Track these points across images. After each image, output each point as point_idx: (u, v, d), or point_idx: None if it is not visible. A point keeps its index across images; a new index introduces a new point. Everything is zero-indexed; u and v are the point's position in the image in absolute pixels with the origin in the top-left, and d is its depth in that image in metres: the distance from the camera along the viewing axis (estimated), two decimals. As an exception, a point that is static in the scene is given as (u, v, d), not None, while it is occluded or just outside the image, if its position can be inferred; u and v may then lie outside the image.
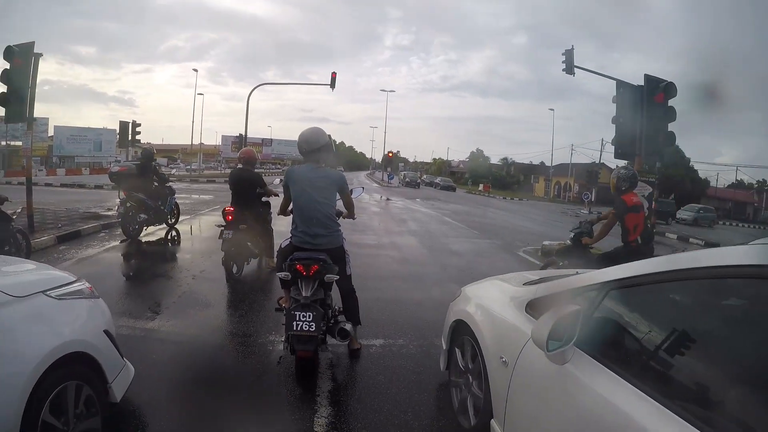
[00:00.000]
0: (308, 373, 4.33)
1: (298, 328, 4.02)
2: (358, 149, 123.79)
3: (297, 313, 4.07)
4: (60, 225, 11.39)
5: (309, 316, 4.05)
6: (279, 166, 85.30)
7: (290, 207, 4.81)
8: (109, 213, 14.19)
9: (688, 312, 2.19)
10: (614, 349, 2.33)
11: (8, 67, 10.28)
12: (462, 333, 3.69)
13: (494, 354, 3.01)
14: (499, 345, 3.02)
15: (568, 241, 7.45)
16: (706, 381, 1.90)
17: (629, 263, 2.42)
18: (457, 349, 3.79)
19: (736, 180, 70.90)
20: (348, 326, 4.57)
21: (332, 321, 4.59)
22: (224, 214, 7.64)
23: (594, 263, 6.25)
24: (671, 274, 2.10)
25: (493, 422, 2.97)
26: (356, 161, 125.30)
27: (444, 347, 4.09)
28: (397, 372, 4.53)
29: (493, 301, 3.50)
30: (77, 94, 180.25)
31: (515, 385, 2.73)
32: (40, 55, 10.71)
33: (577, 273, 3.17)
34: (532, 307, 2.90)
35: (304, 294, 4.20)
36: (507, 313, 3.12)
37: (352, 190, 5.23)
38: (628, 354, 2.29)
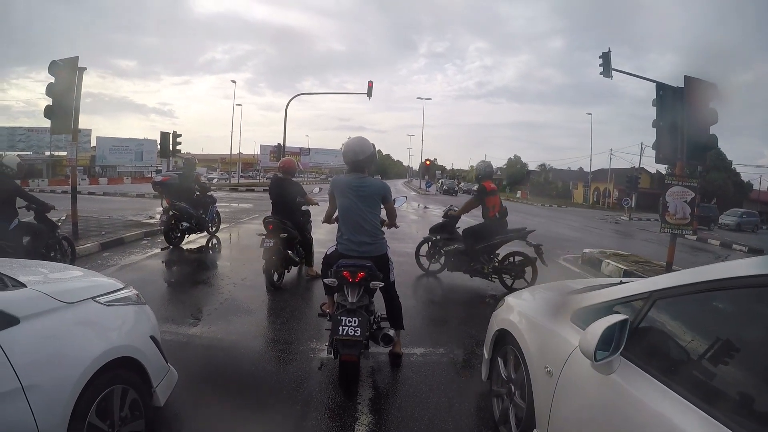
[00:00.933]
0: (350, 378, 4.33)
1: (344, 333, 4.05)
2: (395, 157, 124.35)
3: (343, 318, 4.11)
4: (103, 232, 11.65)
5: (355, 321, 4.09)
6: (317, 175, 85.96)
7: (335, 215, 4.92)
8: (151, 221, 14.50)
9: (736, 321, 2.16)
10: (661, 358, 2.29)
11: (53, 81, 10.57)
12: (505, 342, 3.66)
13: (538, 364, 2.99)
14: (543, 354, 3.00)
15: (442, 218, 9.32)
16: (755, 392, 1.87)
17: (676, 272, 2.38)
18: (499, 359, 3.76)
19: (782, 182, 69.00)
20: (391, 332, 4.64)
21: (375, 327, 4.65)
22: (265, 223, 7.71)
23: (461, 237, 8.58)
24: (720, 283, 2.07)
25: (535, 432, 2.94)
26: (393, 169, 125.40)
27: (486, 356, 4.06)
28: (438, 381, 4.51)
29: (537, 311, 3.47)
30: (118, 106, 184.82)
31: (559, 395, 2.70)
32: (84, 69, 11.02)
33: (621, 282, 3.14)
34: (578, 317, 2.87)
35: (350, 300, 4.25)
36: (552, 323, 3.09)
37: (395, 199, 5.27)
38: (676, 364, 2.25)
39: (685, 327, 2.34)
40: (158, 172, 43.32)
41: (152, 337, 3.31)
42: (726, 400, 1.89)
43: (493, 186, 8.38)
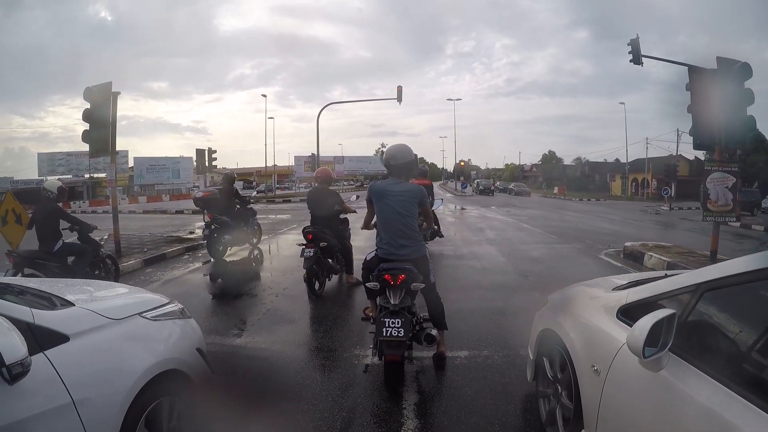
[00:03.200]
0: (396, 378, 4.39)
1: (388, 334, 4.14)
2: (429, 160, 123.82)
3: (386, 320, 4.20)
4: (145, 249, 11.93)
5: (398, 322, 4.17)
6: (352, 183, 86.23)
7: (373, 221, 5.03)
8: (192, 236, 14.78)
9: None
10: (712, 353, 2.25)
11: (89, 107, 10.85)
12: (550, 342, 3.61)
13: (585, 362, 2.94)
14: (590, 353, 2.95)
15: None
16: None
17: (725, 262, 2.33)
18: (545, 359, 3.71)
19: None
20: (434, 331, 4.70)
21: (417, 328, 4.70)
22: (304, 233, 7.77)
23: None
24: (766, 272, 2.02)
25: (584, 432, 2.90)
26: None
27: (531, 357, 4.02)
28: (483, 383, 4.48)
29: (582, 308, 3.42)
30: (153, 127, 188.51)
31: (607, 394, 2.65)
32: (118, 93, 11.30)
33: (666, 275, 3.08)
34: (624, 313, 2.82)
35: (392, 302, 4.36)
36: (598, 320, 3.04)
37: (432, 202, 5.32)
38: (727, 358, 2.19)
39: (736, 319, 2.29)
40: (196, 188, 44.12)
41: (198, 350, 3.39)
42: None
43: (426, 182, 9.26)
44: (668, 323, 2.24)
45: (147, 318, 3.11)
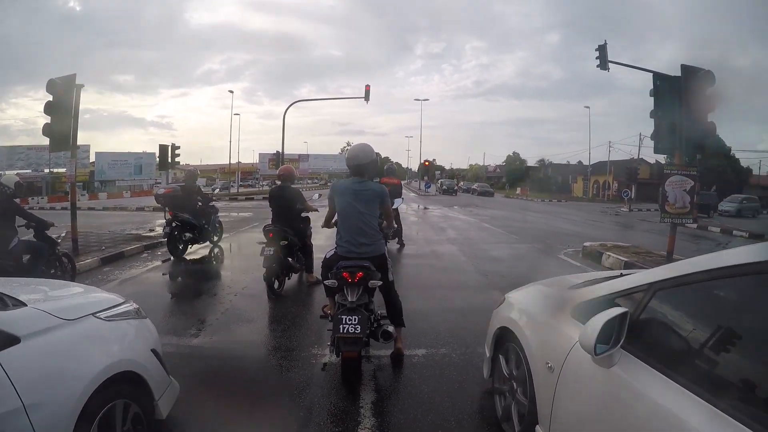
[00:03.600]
0: (353, 376, 4.43)
1: (345, 331, 4.19)
2: (395, 159, 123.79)
3: (343, 317, 4.26)
4: (103, 247, 11.65)
5: (355, 319, 4.23)
6: (316, 181, 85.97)
7: (334, 219, 5.06)
8: (151, 234, 14.56)
9: (737, 310, 2.13)
10: (663, 350, 2.27)
11: (51, 99, 10.58)
12: (506, 340, 3.65)
13: (540, 360, 2.97)
14: (544, 350, 2.98)
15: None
16: (758, 380, 1.84)
17: (677, 262, 2.37)
18: (501, 356, 3.74)
19: (782, 166, 69.29)
20: (390, 328, 4.79)
21: (375, 325, 4.78)
22: (265, 231, 7.71)
23: None
24: (719, 272, 2.05)
25: (538, 428, 2.94)
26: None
27: (488, 355, 4.05)
28: (441, 381, 4.50)
29: (537, 307, 3.46)
30: (117, 121, 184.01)
31: (561, 390, 2.68)
32: (82, 86, 11.03)
33: (621, 275, 3.12)
34: (578, 312, 2.85)
35: (349, 299, 4.40)
36: (552, 319, 3.08)
37: (392, 202, 5.38)
38: (677, 355, 2.22)
39: (686, 317, 2.32)
40: (158, 184, 43.54)
41: (153, 351, 3.32)
42: (728, 389, 1.87)
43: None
44: (620, 321, 2.26)
45: (101, 318, 3.03)
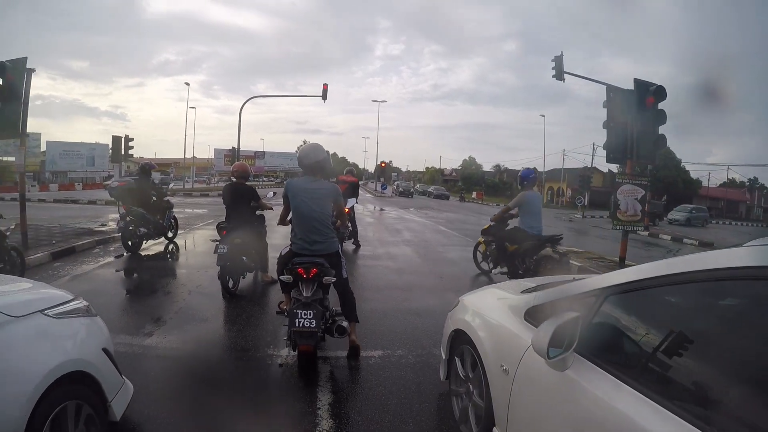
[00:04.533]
0: (309, 369, 4.58)
1: (300, 325, 4.37)
2: (351, 159, 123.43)
3: (299, 311, 4.42)
4: (54, 241, 11.35)
5: (310, 313, 4.40)
6: (272, 179, 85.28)
7: (289, 216, 5.14)
8: (103, 229, 14.21)
9: (686, 315, 2.20)
10: (614, 353, 2.34)
11: (0, 83, 10.24)
12: (461, 342, 3.69)
13: (494, 362, 3.02)
14: (499, 353, 3.03)
15: None
16: (706, 382, 1.91)
17: (628, 268, 2.44)
18: (456, 359, 3.78)
19: (728, 179, 72.05)
20: (345, 323, 4.95)
21: (330, 321, 4.92)
22: (219, 228, 7.63)
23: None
24: (669, 278, 2.12)
25: (495, 430, 2.97)
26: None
27: (443, 357, 4.08)
28: (397, 383, 4.53)
29: (491, 310, 3.50)
30: (69, 109, 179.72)
31: (516, 392, 2.73)
32: (33, 70, 10.62)
33: (574, 279, 3.19)
34: (531, 315, 2.91)
35: (305, 294, 4.57)
36: (506, 321, 3.13)
37: (345, 201, 5.47)
38: (629, 358, 2.30)
39: (637, 322, 2.38)
40: (110, 177, 42.57)
41: (105, 350, 3.23)
42: (678, 391, 1.93)
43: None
44: (573, 325, 2.32)
45: (50, 316, 2.93)
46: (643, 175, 11.15)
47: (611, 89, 10.64)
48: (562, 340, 2.29)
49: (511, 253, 8.67)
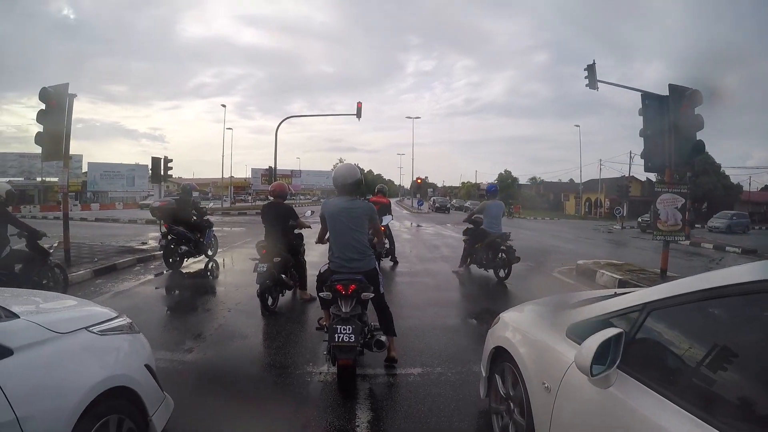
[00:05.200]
0: (348, 383, 4.57)
1: (340, 339, 4.44)
2: (387, 176, 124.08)
3: (338, 326, 4.50)
4: (96, 259, 11.64)
5: (349, 328, 4.48)
6: (309, 197, 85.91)
7: (327, 235, 5.30)
8: (144, 247, 14.49)
9: (733, 329, 2.15)
10: (659, 369, 2.29)
11: (44, 108, 10.57)
12: (502, 359, 3.65)
13: (536, 380, 2.98)
14: (540, 370, 2.99)
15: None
16: (753, 398, 1.87)
17: (670, 282, 2.39)
18: (497, 376, 3.74)
19: (771, 182, 69.93)
20: (383, 338, 5.09)
21: (369, 336, 5.05)
22: (258, 247, 7.70)
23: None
24: (713, 291, 2.08)
25: (536, 448, 2.92)
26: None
27: (484, 374, 4.04)
28: (437, 400, 4.49)
29: (532, 327, 3.47)
30: (109, 132, 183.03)
31: (558, 410, 2.69)
32: (75, 95, 11.05)
33: (615, 294, 3.14)
34: (573, 332, 2.86)
35: (344, 310, 4.67)
36: (548, 338, 3.09)
37: (381, 219, 5.55)
38: (673, 374, 2.24)
39: (682, 336, 2.33)
40: (150, 197, 43.23)
41: (147, 366, 3.29)
42: (724, 407, 1.89)
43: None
44: (616, 342, 2.28)
45: (94, 332, 3.01)
46: (682, 183, 10.90)
47: (646, 96, 10.47)
48: (605, 356, 2.26)
49: (478, 248, 11.10)
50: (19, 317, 2.69)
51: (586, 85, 13.23)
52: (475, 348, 4.73)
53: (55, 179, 49.42)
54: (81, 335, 2.91)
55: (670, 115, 9.92)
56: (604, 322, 2.64)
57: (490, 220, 11.02)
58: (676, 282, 2.35)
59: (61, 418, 2.40)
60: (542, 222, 46.81)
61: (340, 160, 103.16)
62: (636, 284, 9.23)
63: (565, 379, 2.66)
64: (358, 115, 29.46)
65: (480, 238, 11.09)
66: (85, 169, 64.02)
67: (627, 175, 53.67)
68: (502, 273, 10.61)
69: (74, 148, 11.81)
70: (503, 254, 10.53)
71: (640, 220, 36.12)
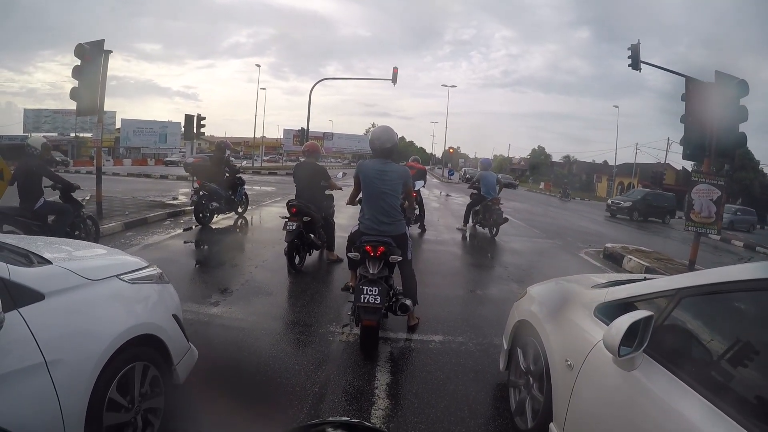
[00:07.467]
0: (370, 345, 4.70)
1: (365, 300, 4.53)
2: (419, 144, 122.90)
3: (365, 287, 4.60)
4: (127, 212, 11.84)
5: (375, 290, 4.57)
6: (340, 160, 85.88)
7: (359, 197, 5.32)
8: (174, 202, 14.80)
9: (762, 323, 2.12)
10: (684, 357, 2.29)
11: (79, 64, 10.69)
12: (525, 334, 3.65)
13: (559, 356, 2.97)
14: (564, 348, 2.98)
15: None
16: None
17: (703, 271, 2.36)
18: (519, 350, 3.74)
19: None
20: (408, 301, 5.08)
21: (393, 299, 5.08)
22: (288, 206, 7.74)
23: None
24: (747, 284, 2.05)
25: (552, 426, 2.94)
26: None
27: (505, 347, 4.05)
28: (456, 369, 4.52)
29: (559, 303, 3.44)
30: (143, 89, 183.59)
31: (579, 389, 2.69)
32: (110, 52, 11.13)
33: (645, 278, 3.11)
34: (601, 312, 2.85)
35: (371, 271, 4.76)
36: (575, 316, 3.08)
37: (414, 184, 5.57)
38: (699, 363, 2.24)
39: (710, 327, 2.32)
40: (182, 153, 43.50)
41: (174, 316, 3.35)
42: (746, 401, 1.88)
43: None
44: (645, 324, 2.27)
45: (125, 281, 3.06)
46: (719, 175, 10.64)
47: (691, 81, 10.17)
48: (632, 339, 2.25)
49: (477, 210, 13.53)
50: (52, 263, 2.74)
51: (629, 65, 12.95)
52: (498, 320, 4.75)
53: (89, 135, 49.88)
54: (112, 283, 2.96)
55: (714, 103, 9.65)
56: (632, 304, 2.63)
57: (486, 188, 13.29)
58: (710, 270, 2.32)
59: (89, 363, 2.45)
60: (573, 201, 45.81)
61: (373, 125, 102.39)
62: (663, 273, 9.12)
63: (589, 359, 2.65)
64: (394, 80, 29.20)
65: (478, 202, 13.48)
66: (118, 125, 64.51)
67: (663, 161, 52.77)
68: (494, 231, 12.88)
69: (108, 104, 11.93)
70: (494, 216, 12.76)
71: (610, 202, 32.79)
